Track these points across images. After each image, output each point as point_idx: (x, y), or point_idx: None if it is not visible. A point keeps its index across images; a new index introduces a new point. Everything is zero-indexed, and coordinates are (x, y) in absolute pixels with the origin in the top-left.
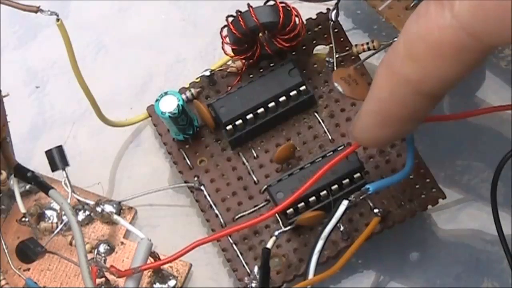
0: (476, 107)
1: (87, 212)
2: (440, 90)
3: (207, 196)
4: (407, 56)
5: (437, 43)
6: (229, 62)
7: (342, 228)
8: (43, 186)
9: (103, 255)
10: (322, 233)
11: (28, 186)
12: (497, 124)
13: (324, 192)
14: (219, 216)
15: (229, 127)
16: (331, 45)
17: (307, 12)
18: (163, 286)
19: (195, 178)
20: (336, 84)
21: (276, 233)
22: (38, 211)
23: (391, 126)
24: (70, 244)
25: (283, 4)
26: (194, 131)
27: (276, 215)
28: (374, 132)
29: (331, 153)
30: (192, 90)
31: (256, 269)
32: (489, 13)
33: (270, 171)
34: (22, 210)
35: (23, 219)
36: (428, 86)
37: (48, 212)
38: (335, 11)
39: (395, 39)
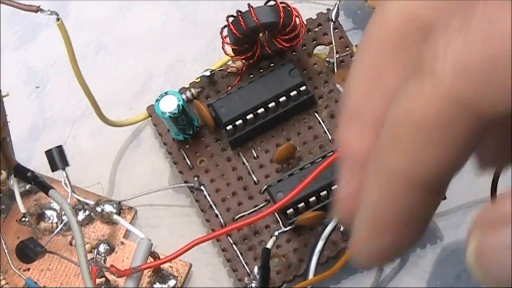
0: None
1: (87, 212)
2: (437, 179)
3: (207, 196)
4: (392, 143)
5: (421, 120)
6: (229, 62)
7: (342, 228)
8: (43, 186)
9: (103, 255)
10: (322, 233)
11: (28, 186)
12: None
13: (324, 192)
14: (219, 216)
15: (229, 127)
16: (331, 45)
17: (307, 12)
18: (163, 286)
19: (195, 178)
20: (338, 85)
21: (276, 233)
22: (38, 211)
23: (391, 234)
24: (70, 244)
25: (284, 4)
26: (194, 131)
27: (276, 215)
28: (371, 245)
29: (331, 153)
30: (192, 90)
31: (256, 269)
32: (475, 77)
33: (270, 171)
34: (22, 210)
35: (23, 219)
36: (420, 176)
37: (48, 212)
38: (335, 11)
39: None
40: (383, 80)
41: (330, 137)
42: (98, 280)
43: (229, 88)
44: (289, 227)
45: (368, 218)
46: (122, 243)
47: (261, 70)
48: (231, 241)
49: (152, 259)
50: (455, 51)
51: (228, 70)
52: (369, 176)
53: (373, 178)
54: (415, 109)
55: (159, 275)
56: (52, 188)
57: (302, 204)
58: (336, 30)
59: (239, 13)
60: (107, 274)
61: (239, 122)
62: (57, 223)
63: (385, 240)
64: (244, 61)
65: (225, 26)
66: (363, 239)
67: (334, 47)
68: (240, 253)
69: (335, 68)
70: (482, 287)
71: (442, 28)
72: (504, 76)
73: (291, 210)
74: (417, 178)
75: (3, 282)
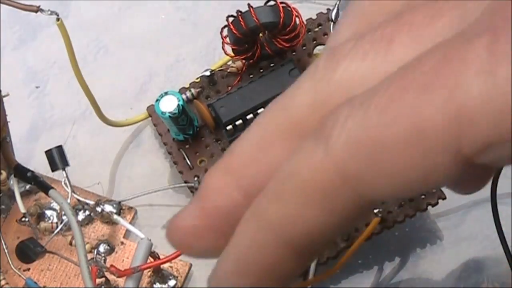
0: None
1: (87, 212)
2: (305, 242)
3: None
4: (274, 195)
5: (305, 182)
6: (229, 62)
7: None
8: (43, 186)
9: (103, 255)
10: None
11: (28, 186)
12: None
13: None
14: None
15: (229, 127)
16: None
17: (307, 12)
18: (163, 286)
19: (195, 178)
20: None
21: None
22: (38, 211)
23: (249, 278)
24: (70, 244)
25: (284, 4)
26: (194, 131)
27: None
28: (229, 282)
29: None
30: (192, 90)
31: None
32: (361, 153)
33: None
34: (22, 210)
35: (23, 219)
36: (291, 234)
37: (48, 212)
38: (335, 11)
39: None
40: (272, 157)
41: None
42: (98, 280)
43: (229, 88)
44: None
45: (233, 258)
46: (122, 243)
47: (261, 70)
48: None
49: (152, 259)
50: (352, 125)
51: (228, 70)
52: (243, 221)
53: (247, 223)
54: (302, 171)
55: (159, 275)
56: (52, 188)
57: None
58: None
59: (239, 13)
60: (107, 274)
61: (239, 122)
62: (57, 223)
63: (243, 282)
64: (244, 61)
65: (225, 26)
66: (223, 275)
67: None
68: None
69: None
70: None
71: (349, 99)
72: (388, 162)
73: None
74: (288, 235)
75: (3, 282)
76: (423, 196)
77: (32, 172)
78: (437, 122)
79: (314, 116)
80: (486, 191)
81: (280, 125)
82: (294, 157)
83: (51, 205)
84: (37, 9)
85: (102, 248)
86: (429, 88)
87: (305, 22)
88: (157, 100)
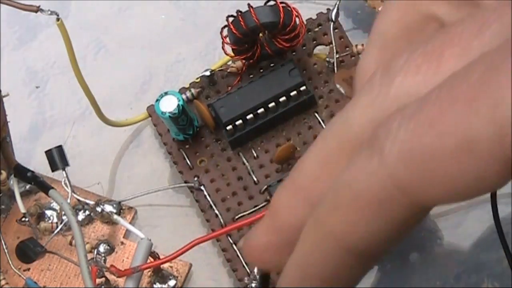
0: None
1: (87, 212)
2: (366, 249)
3: (207, 196)
4: (332, 205)
5: (362, 192)
6: (229, 62)
7: None
8: (43, 186)
9: (103, 255)
10: None
11: (28, 186)
12: None
13: None
14: (219, 216)
15: (229, 127)
16: (331, 45)
17: (307, 12)
18: (163, 286)
19: (195, 178)
20: (338, 86)
21: None
22: (38, 211)
23: (314, 283)
24: (70, 244)
25: (284, 4)
26: (194, 131)
27: None
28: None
29: None
30: (192, 90)
31: (256, 269)
32: (415, 164)
33: (270, 171)
34: (22, 210)
35: (23, 219)
36: (352, 242)
37: (48, 212)
38: (335, 11)
39: None
40: (336, 172)
41: None
42: (98, 280)
43: (229, 88)
44: None
45: (296, 268)
46: (122, 243)
47: (261, 70)
48: (231, 241)
49: (152, 259)
50: (404, 135)
51: (228, 70)
52: (305, 232)
53: (309, 233)
54: (359, 181)
55: (159, 275)
56: (52, 188)
57: None
58: (336, 30)
59: (239, 13)
60: (107, 274)
61: (239, 122)
62: (57, 223)
63: None
64: (244, 61)
65: (225, 26)
66: (288, 283)
67: (334, 47)
68: (240, 253)
69: (335, 68)
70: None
71: (399, 110)
72: (441, 171)
73: None
74: (349, 244)
75: (3, 282)
76: None
77: (32, 172)
78: (486, 133)
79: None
80: None
81: (341, 142)
82: (350, 167)
83: (51, 205)
84: (37, 9)
85: (102, 248)
86: (477, 100)
87: (305, 22)
88: (157, 100)
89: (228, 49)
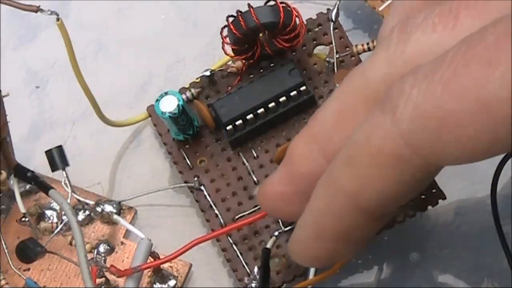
0: None
1: (87, 212)
2: (378, 206)
3: (207, 196)
4: (346, 163)
5: (375, 151)
6: (229, 62)
7: None
8: (43, 186)
9: (103, 255)
10: None
11: (28, 186)
12: None
13: None
14: (219, 216)
15: (229, 127)
16: (331, 45)
17: (307, 12)
18: (163, 286)
19: (195, 178)
20: (338, 86)
21: (276, 233)
22: (38, 211)
23: (325, 242)
24: (70, 244)
25: (284, 4)
26: (194, 131)
27: None
28: (307, 246)
29: None
30: (192, 90)
31: (256, 269)
32: (428, 124)
33: (270, 171)
34: (22, 210)
35: (23, 219)
36: (365, 200)
37: (48, 212)
38: (335, 11)
39: None
40: (352, 124)
41: None
42: (98, 280)
43: (229, 88)
44: (289, 227)
45: (310, 223)
46: (122, 243)
47: (261, 70)
48: (231, 241)
49: (152, 259)
50: (418, 95)
51: (228, 70)
52: (318, 187)
53: (322, 190)
54: (373, 139)
55: (159, 275)
56: (52, 188)
57: None
58: (336, 30)
59: (239, 13)
60: (107, 274)
61: (239, 122)
62: (57, 223)
63: (322, 246)
64: (244, 61)
65: (225, 26)
66: (302, 240)
67: (334, 47)
68: (240, 253)
69: (335, 68)
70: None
71: (413, 70)
72: (454, 132)
73: None
74: (361, 200)
75: (3, 282)
76: (423, 196)
77: (32, 172)
78: (500, 96)
79: (389, 86)
80: (486, 191)
81: (358, 95)
82: (363, 126)
83: (51, 205)
84: (37, 9)
85: (102, 248)
86: (492, 63)
87: (305, 22)
88: (157, 100)
89: (228, 49)
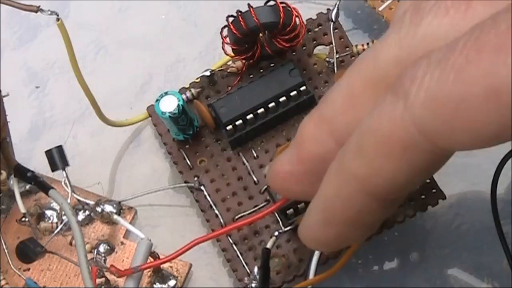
0: None
1: (87, 212)
2: (388, 192)
3: (207, 196)
4: (357, 150)
5: (386, 137)
6: (229, 62)
7: None
8: (43, 186)
9: (103, 255)
10: None
11: (28, 186)
12: None
13: None
14: (219, 216)
15: (229, 127)
16: (331, 45)
17: (307, 12)
18: (163, 286)
19: (195, 178)
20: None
21: (276, 233)
22: (38, 211)
23: (335, 227)
24: (70, 244)
25: (284, 4)
26: (194, 131)
27: (276, 215)
28: (317, 230)
29: None
30: (192, 90)
31: (256, 269)
32: (441, 111)
33: None
34: (22, 210)
35: (23, 219)
36: (375, 185)
37: (48, 212)
38: (335, 11)
39: None
40: (361, 107)
41: None
42: (98, 280)
43: (229, 88)
44: (289, 227)
45: (320, 208)
46: (122, 243)
47: (261, 70)
48: (231, 241)
49: (152, 259)
50: (430, 82)
51: (228, 70)
52: (329, 173)
53: (333, 176)
54: (383, 125)
55: (159, 275)
56: (52, 188)
57: (302, 204)
58: (336, 30)
59: (239, 13)
60: (107, 274)
61: (239, 122)
62: (57, 223)
63: (332, 231)
64: (244, 61)
65: (225, 26)
66: (312, 224)
67: (334, 47)
68: (240, 253)
69: (335, 68)
70: (482, 287)
71: (425, 56)
72: (465, 118)
73: (291, 210)
74: (371, 186)
75: (3, 282)
76: (423, 196)
77: (32, 172)
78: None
79: (399, 69)
80: (486, 190)
81: (368, 77)
82: (375, 112)
83: (51, 205)
84: (37, 9)
85: (102, 248)
86: (504, 50)
87: (305, 22)
88: (157, 100)
89: (228, 49)
